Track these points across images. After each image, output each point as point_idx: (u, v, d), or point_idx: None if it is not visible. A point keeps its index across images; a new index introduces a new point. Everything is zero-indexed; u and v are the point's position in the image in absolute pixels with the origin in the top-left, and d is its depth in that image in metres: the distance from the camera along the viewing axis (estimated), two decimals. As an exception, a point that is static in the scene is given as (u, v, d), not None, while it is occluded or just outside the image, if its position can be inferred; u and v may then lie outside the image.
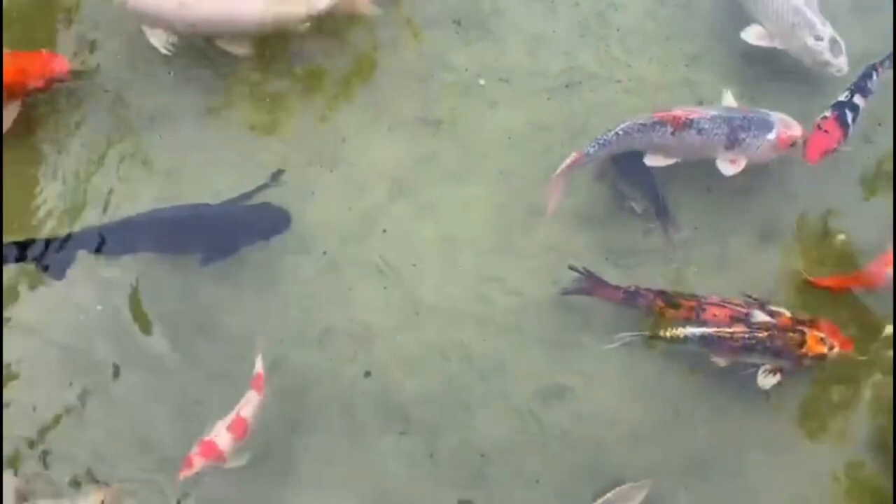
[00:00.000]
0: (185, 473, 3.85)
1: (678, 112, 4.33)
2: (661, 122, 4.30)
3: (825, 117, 4.31)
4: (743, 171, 4.35)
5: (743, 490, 4.15)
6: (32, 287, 4.28)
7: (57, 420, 4.12)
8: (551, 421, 4.18)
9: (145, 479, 4.09)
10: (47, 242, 4.25)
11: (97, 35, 4.68)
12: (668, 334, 4.08)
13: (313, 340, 4.27)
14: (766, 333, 4.03)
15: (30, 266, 4.28)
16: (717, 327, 4.06)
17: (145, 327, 4.25)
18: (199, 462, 3.86)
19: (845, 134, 4.31)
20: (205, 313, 4.29)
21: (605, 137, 4.27)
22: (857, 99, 4.38)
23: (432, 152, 4.55)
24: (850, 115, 4.33)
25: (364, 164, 4.51)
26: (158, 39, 4.47)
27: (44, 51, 4.46)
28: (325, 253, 4.40)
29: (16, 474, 4.00)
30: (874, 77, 4.46)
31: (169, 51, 4.47)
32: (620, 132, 4.28)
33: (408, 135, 4.56)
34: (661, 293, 4.21)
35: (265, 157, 4.50)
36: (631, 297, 4.22)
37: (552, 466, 4.13)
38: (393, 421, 4.18)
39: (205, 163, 4.51)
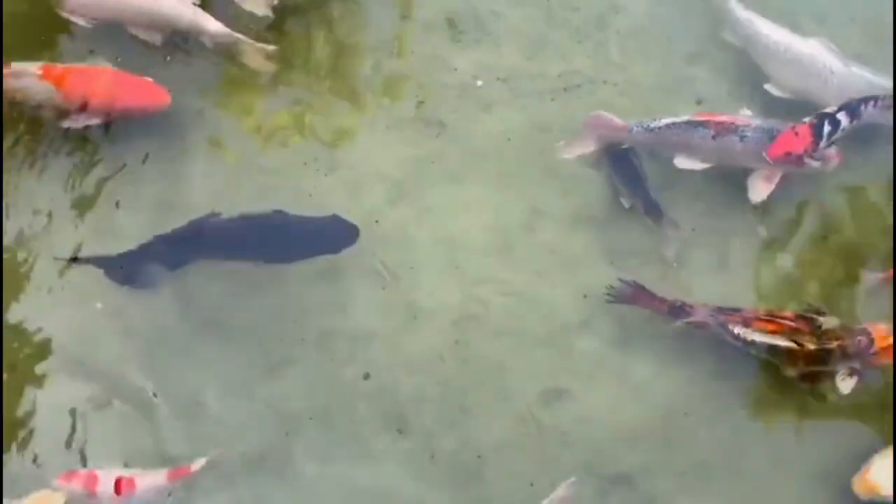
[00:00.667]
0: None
1: (723, 117, 4.32)
2: (705, 124, 4.28)
3: (803, 121, 4.26)
4: (744, 174, 4.35)
5: (743, 491, 4.13)
6: (32, 285, 4.30)
7: (53, 418, 4.12)
8: (549, 422, 4.17)
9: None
10: (127, 254, 4.23)
11: (93, 38, 4.72)
12: (738, 332, 4.07)
13: (312, 342, 4.28)
14: (837, 341, 4.02)
15: (26, 264, 4.31)
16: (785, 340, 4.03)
17: (144, 327, 4.27)
18: (70, 485, 3.83)
19: (816, 144, 4.23)
20: (204, 315, 4.30)
21: (649, 124, 4.26)
22: (842, 116, 4.28)
23: (430, 154, 4.56)
24: (827, 128, 4.24)
25: (362, 167, 4.52)
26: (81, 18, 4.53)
27: (150, 79, 4.47)
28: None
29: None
30: (870, 106, 4.35)
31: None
32: (663, 125, 4.27)
33: (406, 136, 4.57)
34: (713, 311, 4.14)
35: (262, 160, 4.52)
36: (676, 312, 4.17)
37: (550, 468, 4.11)
38: (391, 422, 4.18)
39: (200, 164, 4.53)
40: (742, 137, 4.27)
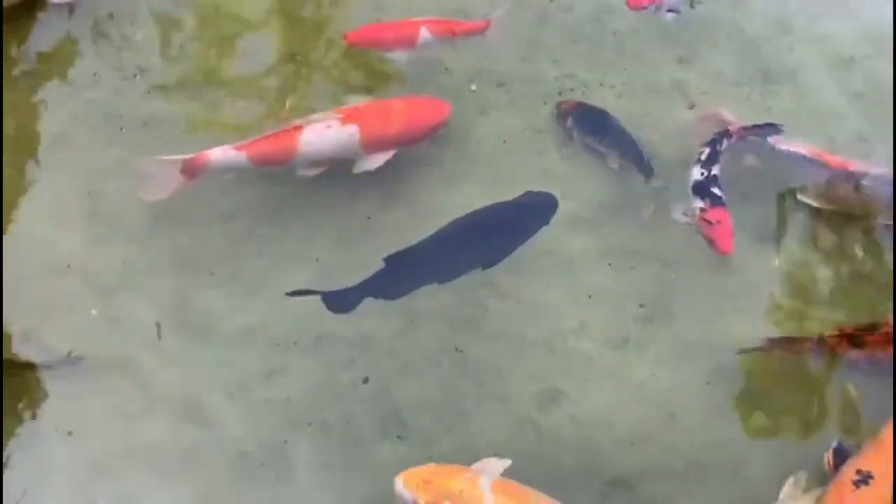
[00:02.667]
0: None
1: (842, 160, 4.29)
2: (823, 163, 4.27)
3: None
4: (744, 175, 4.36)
5: (741, 492, 4.12)
6: (28, 293, 4.28)
7: (50, 422, 4.09)
8: (547, 425, 4.15)
9: (143, 485, 4.06)
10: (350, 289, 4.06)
11: (87, 42, 4.71)
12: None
13: (309, 347, 4.26)
14: None
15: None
16: None
17: (139, 333, 4.24)
18: None
19: None
20: (199, 320, 4.28)
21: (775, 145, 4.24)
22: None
23: (426, 157, 4.55)
24: None
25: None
26: None
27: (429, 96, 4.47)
28: (317, 260, 4.40)
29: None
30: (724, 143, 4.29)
31: None
32: (776, 147, 4.26)
33: (401, 140, 4.57)
34: (848, 336, 4.09)
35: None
36: (818, 346, 4.13)
37: (548, 470, 4.10)
38: (390, 426, 4.17)
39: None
40: (857, 186, 4.23)
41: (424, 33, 4.44)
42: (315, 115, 4.31)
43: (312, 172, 4.29)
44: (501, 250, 4.18)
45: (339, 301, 4.06)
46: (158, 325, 4.23)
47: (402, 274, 4.08)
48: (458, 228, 4.14)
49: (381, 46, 4.50)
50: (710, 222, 4.08)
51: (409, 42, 4.42)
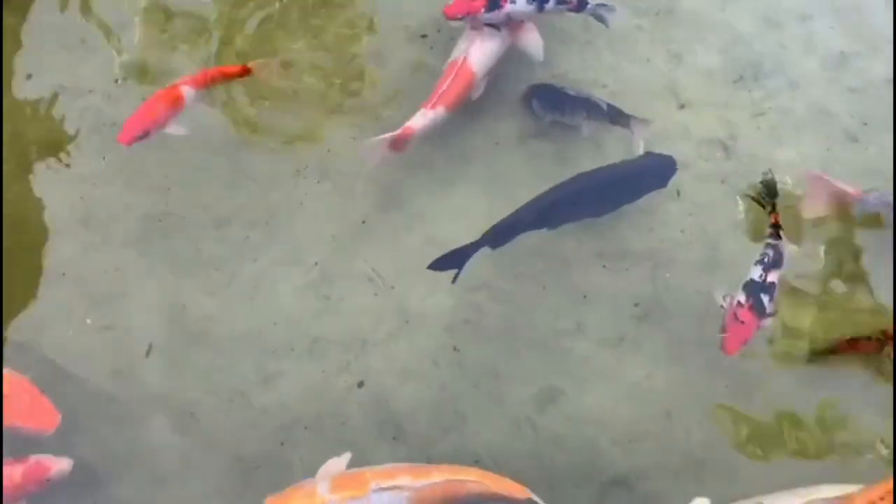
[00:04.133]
0: None
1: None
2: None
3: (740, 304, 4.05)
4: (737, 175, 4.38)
5: (738, 491, 4.13)
6: (21, 302, 4.27)
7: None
8: (544, 425, 4.17)
9: (141, 490, 4.06)
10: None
11: (84, 50, 4.70)
12: None
13: (305, 351, 4.26)
14: None
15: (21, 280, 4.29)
16: None
17: (134, 340, 4.24)
18: None
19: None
20: (194, 325, 4.28)
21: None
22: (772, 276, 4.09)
23: (420, 160, 4.55)
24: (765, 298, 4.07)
25: (353, 173, 4.51)
26: None
27: None
28: (315, 264, 4.40)
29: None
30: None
31: None
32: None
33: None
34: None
35: (253, 168, 4.51)
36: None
37: (546, 470, 4.12)
38: (387, 429, 4.17)
39: (191, 174, 4.51)
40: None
41: (188, 91, 4.28)
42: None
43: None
44: (609, 204, 4.34)
45: (457, 257, 4.13)
46: (150, 346, 4.23)
47: (523, 218, 4.18)
48: (576, 181, 4.28)
49: (157, 127, 4.24)
50: (738, 319, 4.00)
51: (176, 106, 4.24)
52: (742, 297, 4.01)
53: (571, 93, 4.53)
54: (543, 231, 4.22)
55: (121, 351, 4.22)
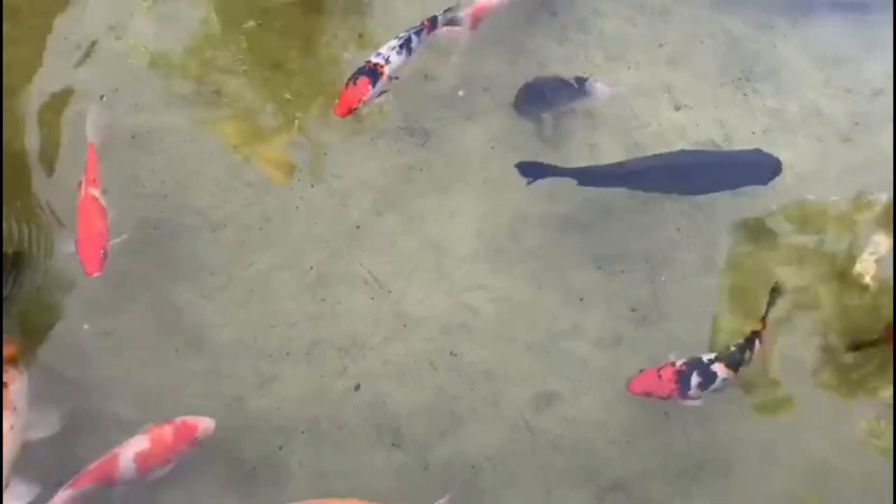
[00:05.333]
0: None
1: None
2: None
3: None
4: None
5: (735, 491, 4.14)
6: (21, 307, 4.26)
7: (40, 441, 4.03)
8: (542, 427, 4.16)
9: (138, 494, 4.03)
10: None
11: (79, 54, 4.70)
12: None
13: (301, 355, 4.26)
14: None
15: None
16: None
17: (131, 347, 4.23)
18: None
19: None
20: (191, 330, 4.27)
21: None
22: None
23: (416, 163, 4.56)
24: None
25: (348, 177, 4.52)
26: None
27: None
28: (311, 268, 4.39)
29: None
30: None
31: None
32: None
33: (391, 146, 4.58)
34: None
35: (249, 173, 4.51)
36: None
37: (544, 472, 4.11)
38: (384, 433, 4.17)
39: (188, 179, 4.51)
40: None
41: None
42: None
43: None
44: (703, 187, 4.39)
45: (543, 170, 4.27)
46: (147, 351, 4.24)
47: (614, 171, 4.30)
48: (677, 155, 4.36)
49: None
50: (659, 373, 3.97)
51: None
52: (679, 361, 4.00)
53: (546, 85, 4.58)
54: (625, 191, 4.34)
55: (118, 356, 4.21)
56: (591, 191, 4.45)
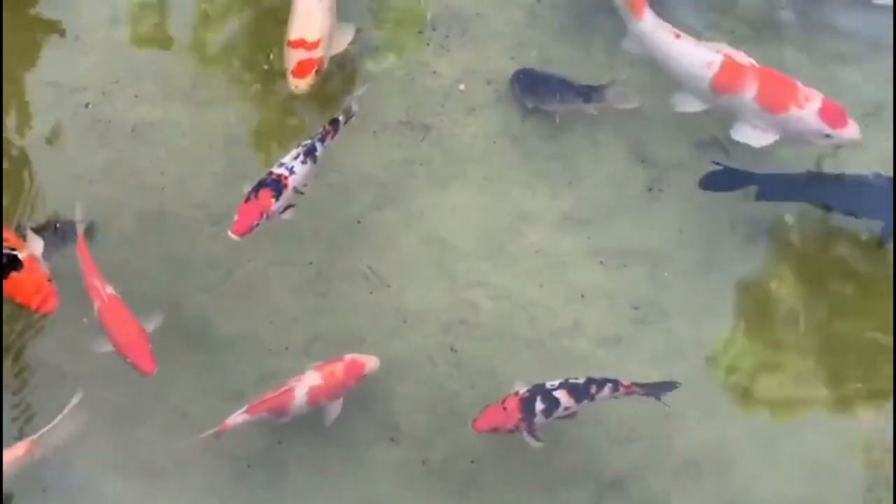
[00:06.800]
0: None
1: None
2: None
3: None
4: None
5: (735, 489, 4.14)
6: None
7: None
8: (541, 424, 4.16)
9: (137, 490, 4.06)
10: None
11: (79, 47, 4.68)
12: None
13: (300, 350, 4.25)
14: None
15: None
16: None
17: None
18: None
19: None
20: (191, 326, 4.27)
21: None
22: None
23: (417, 157, 4.54)
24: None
25: (348, 171, 4.49)
26: None
27: None
28: (311, 263, 4.38)
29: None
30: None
31: None
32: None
33: (392, 140, 4.55)
34: None
35: (248, 167, 4.49)
36: None
37: (543, 470, 4.12)
38: (383, 429, 4.17)
39: (186, 172, 4.49)
40: None
41: None
42: None
43: None
44: (847, 209, 4.31)
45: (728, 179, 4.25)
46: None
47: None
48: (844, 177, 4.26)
49: None
50: (504, 403, 3.91)
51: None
52: (522, 389, 3.94)
53: (555, 76, 4.52)
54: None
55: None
56: (590, 188, 4.45)
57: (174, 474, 4.05)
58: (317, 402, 3.97)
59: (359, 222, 4.44)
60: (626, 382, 3.92)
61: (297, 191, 4.09)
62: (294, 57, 4.31)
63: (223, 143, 4.55)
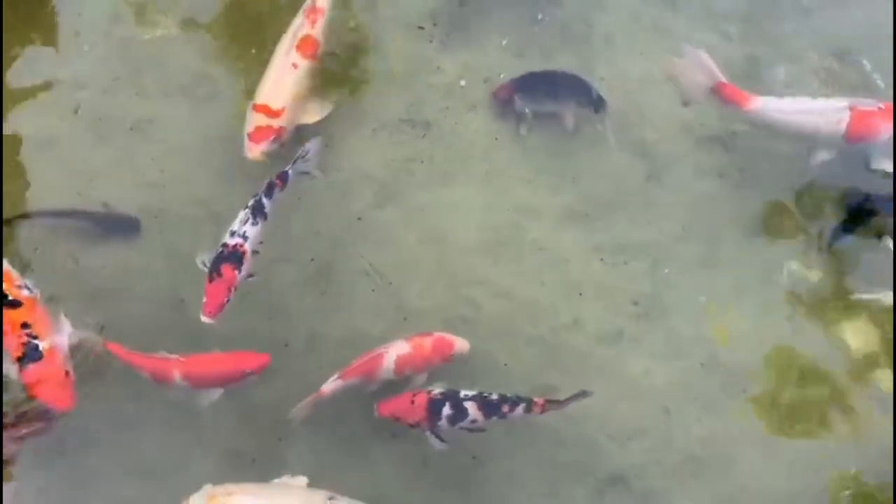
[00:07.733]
0: None
1: None
2: None
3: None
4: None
5: (735, 487, 4.14)
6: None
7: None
8: (541, 421, 4.14)
9: (139, 487, 4.05)
10: None
11: (79, 44, 4.68)
12: None
13: (301, 347, 4.25)
14: None
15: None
16: None
17: (131, 338, 4.21)
18: None
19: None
20: (193, 323, 4.25)
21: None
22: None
23: (418, 154, 4.55)
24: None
25: (349, 169, 4.50)
26: None
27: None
28: (312, 260, 4.38)
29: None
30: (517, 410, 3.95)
31: None
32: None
33: (393, 138, 4.56)
34: None
35: (250, 164, 4.49)
36: None
37: (544, 467, 4.12)
38: (384, 425, 4.16)
39: (187, 170, 4.50)
40: None
41: None
42: None
43: None
44: None
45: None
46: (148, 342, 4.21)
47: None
48: None
49: None
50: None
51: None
52: (435, 390, 3.91)
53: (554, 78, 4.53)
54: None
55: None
56: (590, 184, 4.46)
57: (177, 470, 4.04)
58: (403, 371, 4.02)
59: (359, 219, 4.44)
60: (539, 401, 3.90)
61: (255, 252, 4.03)
62: (254, 121, 4.30)
63: (224, 140, 4.54)
